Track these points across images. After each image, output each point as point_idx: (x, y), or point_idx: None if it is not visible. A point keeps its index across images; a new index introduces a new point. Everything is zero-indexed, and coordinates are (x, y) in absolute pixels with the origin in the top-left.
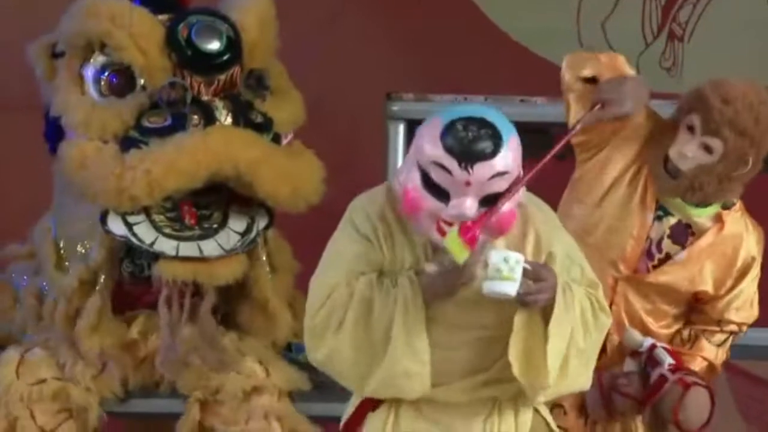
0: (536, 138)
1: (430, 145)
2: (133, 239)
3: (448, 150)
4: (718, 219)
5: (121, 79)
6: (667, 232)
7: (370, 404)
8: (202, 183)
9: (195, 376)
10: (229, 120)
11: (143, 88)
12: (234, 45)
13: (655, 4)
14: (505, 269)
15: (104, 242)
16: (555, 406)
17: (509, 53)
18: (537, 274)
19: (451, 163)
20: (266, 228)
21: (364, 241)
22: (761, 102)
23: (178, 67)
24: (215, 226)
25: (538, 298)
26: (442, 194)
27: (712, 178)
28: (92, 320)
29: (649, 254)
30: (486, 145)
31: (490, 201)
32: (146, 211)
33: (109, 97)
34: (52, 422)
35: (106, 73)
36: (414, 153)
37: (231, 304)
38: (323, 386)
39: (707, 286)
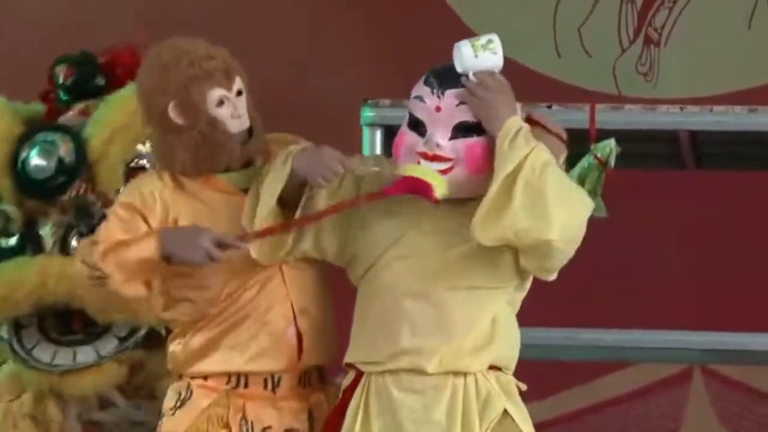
0: None
1: (415, 87)
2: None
3: (425, 81)
4: None
5: None
6: None
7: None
8: (29, 310)
9: None
10: (53, 244)
11: None
12: (66, 169)
13: (631, 9)
14: (492, 41)
15: None
16: None
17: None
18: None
19: (425, 91)
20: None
21: None
22: None
23: (17, 189)
24: (98, 331)
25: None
26: (421, 129)
27: None
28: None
29: None
30: (457, 74)
31: (462, 132)
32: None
33: None
34: None
35: None
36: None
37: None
38: None
39: None
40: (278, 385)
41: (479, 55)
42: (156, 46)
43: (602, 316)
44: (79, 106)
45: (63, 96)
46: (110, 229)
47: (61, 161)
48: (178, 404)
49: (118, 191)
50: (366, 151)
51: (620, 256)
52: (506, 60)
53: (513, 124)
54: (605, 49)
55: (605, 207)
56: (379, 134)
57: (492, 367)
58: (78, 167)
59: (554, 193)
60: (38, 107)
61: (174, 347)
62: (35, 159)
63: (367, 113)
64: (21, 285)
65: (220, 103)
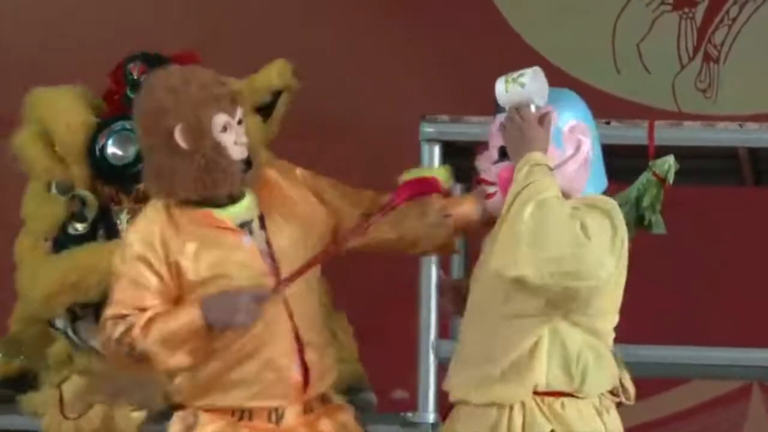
0: None
1: None
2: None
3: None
4: None
5: (68, 180)
6: None
7: None
8: (97, 297)
9: None
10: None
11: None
12: None
13: (691, 26)
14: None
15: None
16: None
17: (545, 74)
18: (529, 117)
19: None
20: None
21: None
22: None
23: (94, 176)
24: None
25: (511, 129)
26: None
27: None
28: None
29: None
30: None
31: (504, 155)
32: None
33: (56, 194)
34: None
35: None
36: None
37: None
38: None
39: None
40: (282, 417)
41: (509, 89)
42: (159, 70)
43: (660, 332)
44: None
45: (130, 93)
46: (131, 296)
47: (139, 150)
48: (185, 429)
49: None
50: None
51: (677, 273)
52: (565, 76)
53: (524, 160)
54: (664, 66)
55: (664, 223)
56: (437, 150)
57: (540, 393)
58: None
59: (529, 228)
60: (102, 103)
61: (182, 378)
62: (114, 146)
63: (426, 129)
64: (94, 271)
65: (224, 129)
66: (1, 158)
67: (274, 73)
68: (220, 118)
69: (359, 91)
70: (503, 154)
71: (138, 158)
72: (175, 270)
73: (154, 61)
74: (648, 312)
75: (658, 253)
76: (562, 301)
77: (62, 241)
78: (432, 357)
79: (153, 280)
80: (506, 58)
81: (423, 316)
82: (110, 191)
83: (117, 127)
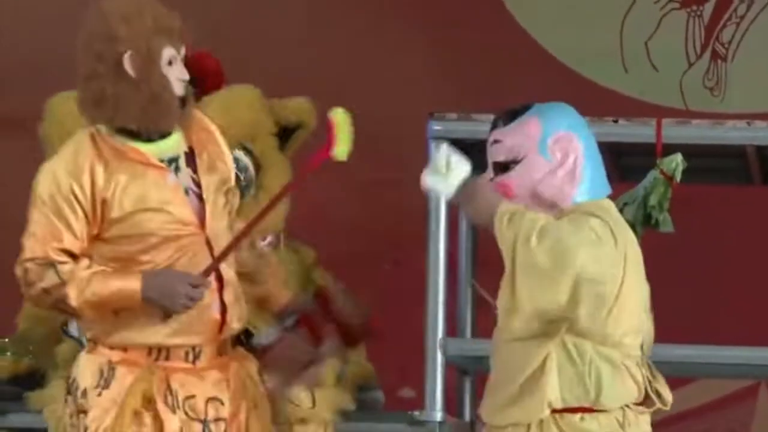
0: None
1: None
2: None
3: None
4: None
5: None
6: None
7: None
8: None
9: None
10: None
11: None
12: None
13: (698, 24)
14: (442, 166)
15: None
16: None
17: (552, 73)
18: (477, 187)
19: None
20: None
21: None
22: None
23: None
24: None
25: (468, 204)
26: None
27: None
28: None
29: None
30: (503, 117)
31: (497, 171)
32: None
33: None
34: None
35: None
36: None
37: None
38: (366, 405)
39: None
40: (199, 356)
41: (448, 177)
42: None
43: (668, 331)
44: None
45: None
46: (50, 233)
47: None
48: (103, 383)
49: None
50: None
51: (685, 271)
52: (573, 74)
53: (498, 217)
54: (672, 64)
55: (671, 222)
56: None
57: (558, 410)
58: None
59: (544, 256)
60: None
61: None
62: None
63: (434, 126)
64: None
65: (170, 62)
66: (3, 159)
67: (293, 110)
68: (168, 51)
69: (367, 89)
70: (499, 169)
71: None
72: (101, 208)
73: None
74: (655, 310)
75: (666, 251)
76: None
77: None
78: (439, 355)
79: (74, 218)
80: (514, 56)
81: (430, 314)
82: None
83: None
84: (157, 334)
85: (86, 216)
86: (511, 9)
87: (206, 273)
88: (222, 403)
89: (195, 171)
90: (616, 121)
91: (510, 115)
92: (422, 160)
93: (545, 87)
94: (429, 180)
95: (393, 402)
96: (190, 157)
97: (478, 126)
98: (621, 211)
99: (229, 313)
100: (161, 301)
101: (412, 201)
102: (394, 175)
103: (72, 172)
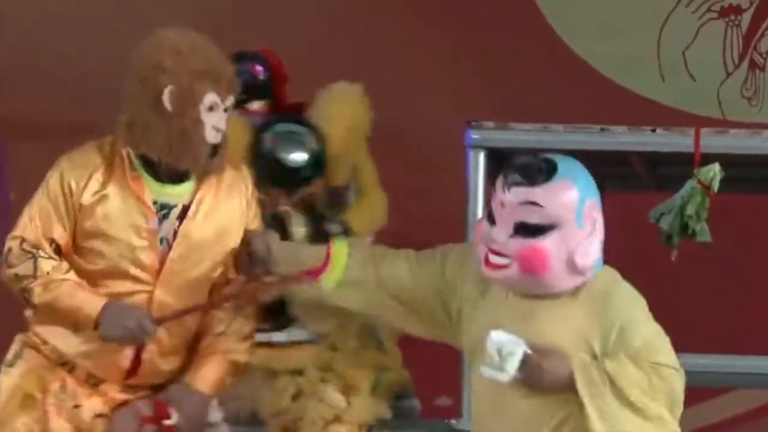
0: (616, 168)
1: (498, 177)
2: None
3: (503, 173)
4: None
5: None
6: None
7: None
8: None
9: (275, 403)
10: (304, 234)
11: None
12: (317, 161)
13: (736, 33)
14: (496, 360)
15: None
16: None
17: (589, 81)
18: (538, 362)
19: (499, 183)
20: None
21: None
22: None
23: (259, 178)
24: (285, 319)
25: (537, 383)
26: (492, 220)
27: None
28: None
29: None
30: (530, 174)
31: (522, 231)
32: None
33: None
34: None
35: None
36: None
37: None
38: (403, 414)
39: None
40: (99, 384)
41: (505, 366)
42: (171, 30)
43: (704, 340)
44: (257, 104)
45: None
46: (45, 221)
47: (312, 153)
48: (13, 360)
49: (346, 188)
50: (471, 174)
51: (722, 281)
52: (610, 83)
53: (578, 375)
54: (710, 73)
55: (709, 231)
56: (482, 156)
57: None
58: (323, 160)
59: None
60: None
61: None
62: (284, 150)
63: (472, 135)
64: None
65: (211, 108)
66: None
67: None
68: (211, 97)
69: (406, 98)
70: (522, 229)
71: (311, 162)
72: (79, 212)
73: (265, 61)
74: (691, 320)
75: (702, 261)
76: None
77: None
78: None
79: (65, 213)
80: (552, 66)
81: None
82: (275, 193)
83: (280, 129)
84: (71, 346)
85: (74, 214)
86: (549, 18)
87: (158, 322)
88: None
89: (181, 223)
90: (654, 131)
91: (542, 174)
92: (460, 168)
93: (582, 96)
94: (486, 373)
95: (429, 410)
96: (186, 209)
97: (515, 135)
98: (658, 221)
99: (142, 368)
100: (111, 334)
101: (450, 209)
102: (432, 184)
103: (75, 170)
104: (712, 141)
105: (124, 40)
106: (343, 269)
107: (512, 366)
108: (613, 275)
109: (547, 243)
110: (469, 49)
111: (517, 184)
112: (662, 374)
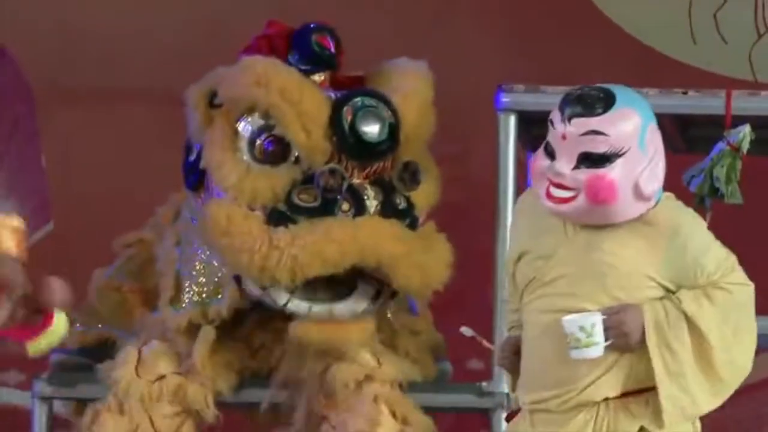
0: None
1: (553, 110)
2: (267, 299)
3: (559, 107)
4: None
5: (276, 148)
6: None
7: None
8: (343, 270)
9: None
10: (376, 207)
11: (296, 160)
12: (394, 133)
13: None
14: (582, 337)
15: (234, 297)
16: None
17: (621, 45)
18: (619, 323)
19: (556, 116)
20: (394, 295)
21: None
22: None
23: (336, 150)
24: (346, 290)
25: (625, 344)
26: (551, 154)
27: None
28: (208, 348)
29: None
30: (590, 104)
31: (587, 162)
32: None
33: (263, 163)
34: (170, 426)
35: (263, 137)
36: None
37: None
38: (435, 376)
39: None
40: None
41: (594, 339)
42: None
43: None
44: (318, 76)
45: (299, 63)
46: None
47: (390, 127)
48: None
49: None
50: (501, 137)
51: (752, 243)
52: (641, 46)
53: (647, 323)
54: (741, 36)
55: (740, 194)
56: (513, 120)
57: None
58: (399, 133)
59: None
60: None
61: None
62: (364, 123)
63: (503, 99)
64: (351, 247)
65: None
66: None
67: None
68: None
69: (436, 61)
70: (586, 159)
71: (389, 135)
72: None
73: (333, 34)
74: None
75: (732, 223)
76: None
77: (284, 213)
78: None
79: None
80: (583, 29)
81: (498, 286)
82: (352, 166)
83: (359, 103)
84: None
85: None
86: None
87: None
88: None
89: None
90: (685, 93)
91: (601, 103)
92: (491, 132)
93: (612, 58)
94: (577, 355)
95: (461, 373)
96: None
97: (546, 98)
98: (688, 184)
99: None
100: None
101: (480, 174)
102: (463, 148)
103: None
104: (744, 103)
105: (151, 10)
106: (55, 340)
107: (600, 335)
108: (675, 201)
109: (614, 171)
110: (501, 12)
111: (579, 115)
112: (735, 292)
